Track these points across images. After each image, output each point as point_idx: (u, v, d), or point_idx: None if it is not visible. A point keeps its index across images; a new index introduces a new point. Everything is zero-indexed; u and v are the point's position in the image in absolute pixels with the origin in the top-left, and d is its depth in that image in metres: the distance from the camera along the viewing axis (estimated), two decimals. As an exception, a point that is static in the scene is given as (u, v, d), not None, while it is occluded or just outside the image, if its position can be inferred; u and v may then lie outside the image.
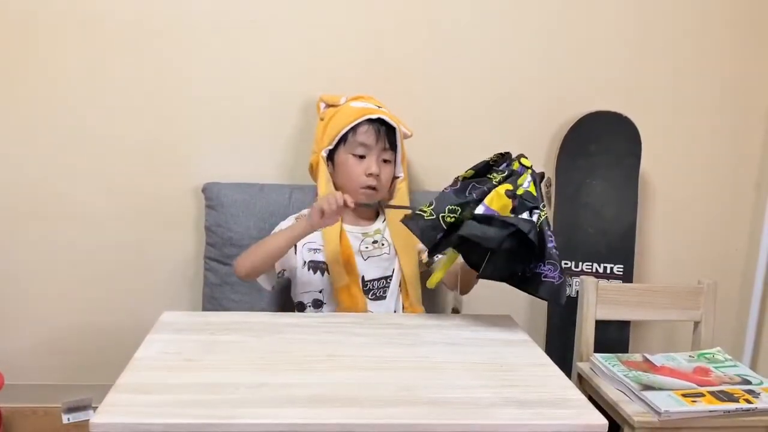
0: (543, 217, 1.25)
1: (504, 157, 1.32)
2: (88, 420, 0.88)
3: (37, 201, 1.78)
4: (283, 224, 1.54)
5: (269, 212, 1.67)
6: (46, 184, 1.78)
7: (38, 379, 1.87)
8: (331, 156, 1.56)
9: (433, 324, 1.32)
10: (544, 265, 1.24)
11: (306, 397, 0.96)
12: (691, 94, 1.90)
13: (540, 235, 1.24)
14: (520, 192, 1.25)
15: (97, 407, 0.90)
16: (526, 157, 1.30)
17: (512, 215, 1.24)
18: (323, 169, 1.55)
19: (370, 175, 1.50)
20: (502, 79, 1.84)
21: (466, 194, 1.26)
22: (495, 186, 1.26)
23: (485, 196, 1.25)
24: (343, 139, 1.53)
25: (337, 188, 1.54)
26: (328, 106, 1.63)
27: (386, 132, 1.53)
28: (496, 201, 1.24)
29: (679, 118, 1.91)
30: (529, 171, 1.28)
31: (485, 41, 1.82)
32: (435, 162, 1.81)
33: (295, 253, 1.50)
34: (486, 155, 1.88)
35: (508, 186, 1.25)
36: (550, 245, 1.25)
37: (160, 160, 1.79)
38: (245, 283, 1.67)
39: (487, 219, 1.22)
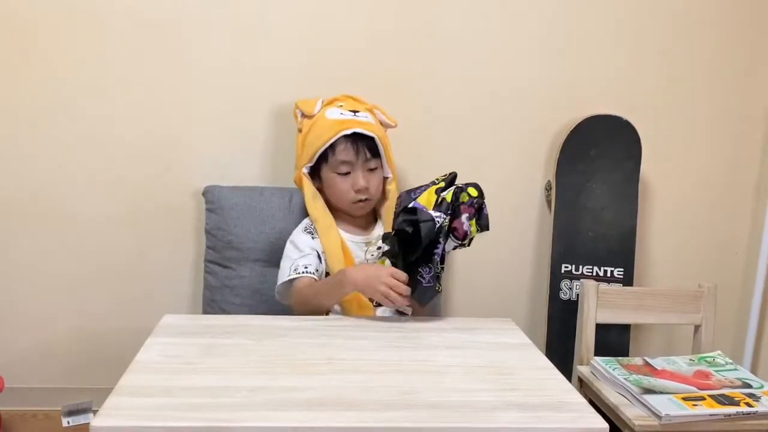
0: (443, 225, 1.29)
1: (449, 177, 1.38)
2: (89, 423, 0.88)
3: (38, 204, 1.78)
4: (295, 240, 1.52)
5: (270, 215, 1.68)
6: (45, 186, 1.78)
7: (38, 382, 1.87)
8: (316, 171, 1.56)
9: (434, 327, 1.32)
10: (426, 268, 1.30)
11: (306, 400, 0.96)
12: (690, 97, 1.90)
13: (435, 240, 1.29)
14: (446, 197, 1.31)
15: (97, 410, 0.90)
16: (473, 186, 1.33)
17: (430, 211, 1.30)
18: (308, 185, 1.55)
19: (359, 190, 1.50)
20: (501, 83, 1.85)
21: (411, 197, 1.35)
22: (434, 185, 1.35)
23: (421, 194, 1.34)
24: (324, 156, 1.52)
25: (327, 202, 1.54)
26: (304, 115, 1.58)
27: (365, 143, 1.51)
28: (426, 197, 1.32)
29: (678, 122, 1.91)
30: (458, 188, 1.33)
31: (484, 45, 1.82)
32: (434, 167, 1.81)
33: (321, 261, 1.49)
34: (485, 158, 1.89)
35: (441, 185, 1.34)
36: (436, 251, 1.29)
37: (161, 162, 1.80)
38: (248, 287, 1.68)
39: (411, 210, 1.29)
